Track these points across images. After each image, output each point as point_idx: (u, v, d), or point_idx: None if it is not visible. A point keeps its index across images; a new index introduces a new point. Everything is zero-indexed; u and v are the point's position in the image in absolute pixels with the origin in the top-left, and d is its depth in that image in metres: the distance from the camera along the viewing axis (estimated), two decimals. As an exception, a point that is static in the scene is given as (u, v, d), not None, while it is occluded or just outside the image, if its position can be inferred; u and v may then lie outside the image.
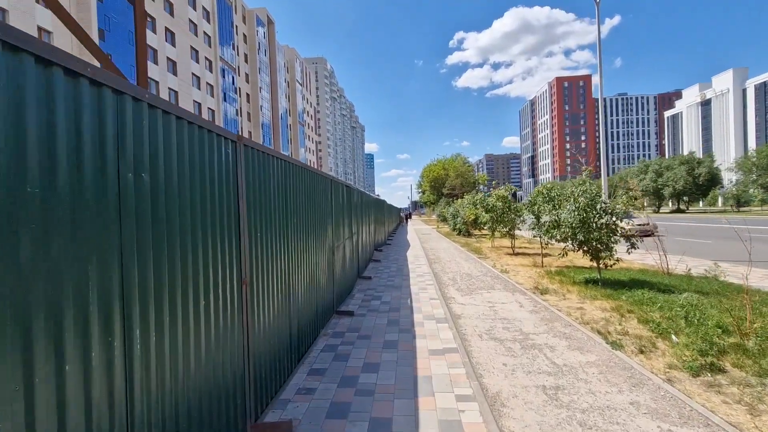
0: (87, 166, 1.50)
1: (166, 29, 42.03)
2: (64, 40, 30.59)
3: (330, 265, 6.23)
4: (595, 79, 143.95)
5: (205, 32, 50.14)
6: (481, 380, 3.90)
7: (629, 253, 7.89)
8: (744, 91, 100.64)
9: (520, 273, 10.20)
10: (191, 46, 46.64)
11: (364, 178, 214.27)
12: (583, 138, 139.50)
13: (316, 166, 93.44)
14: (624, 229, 7.84)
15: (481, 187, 53.54)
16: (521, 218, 14.73)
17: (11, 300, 1.19)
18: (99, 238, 1.55)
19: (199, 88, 47.90)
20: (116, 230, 1.65)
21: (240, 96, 59.43)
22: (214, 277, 2.46)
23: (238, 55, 59.42)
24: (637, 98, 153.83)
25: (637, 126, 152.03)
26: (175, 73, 43.04)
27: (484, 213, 15.80)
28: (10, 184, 1.20)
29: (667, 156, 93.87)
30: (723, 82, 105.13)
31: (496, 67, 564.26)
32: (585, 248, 8.10)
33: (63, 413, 1.34)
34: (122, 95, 1.73)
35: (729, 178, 64.42)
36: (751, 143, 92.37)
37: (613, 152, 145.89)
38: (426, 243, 20.39)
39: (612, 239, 7.81)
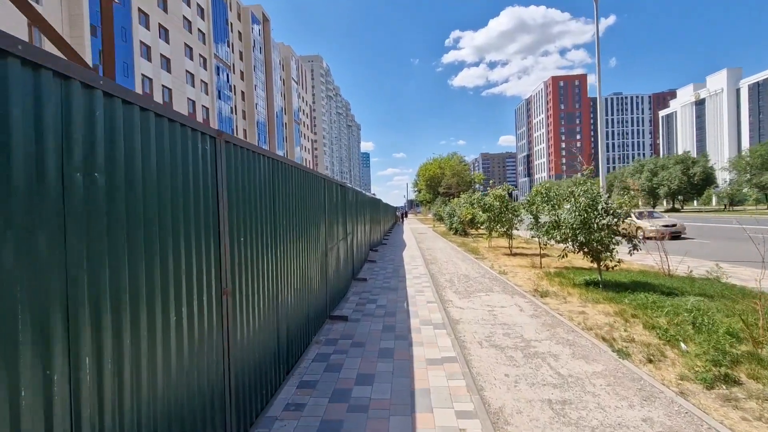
0: (16, 161, 1.23)
1: (160, 26, 41.48)
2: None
3: (323, 268, 5.97)
4: (591, 79, 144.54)
5: (199, 29, 49.58)
6: (483, 393, 3.66)
7: (631, 255, 7.68)
8: (738, 91, 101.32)
9: (519, 274, 9.99)
10: (185, 43, 46.09)
11: (360, 176, 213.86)
12: (578, 137, 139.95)
13: (311, 165, 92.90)
14: (626, 229, 7.64)
15: (478, 186, 53.44)
16: (519, 218, 14.54)
17: None
18: (34, 246, 1.28)
19: (194, 86, 47.36)
20: (59, 238, 1.38)
21: (235, 94, 58.88)
22: (188, 287, 2.20)
23: (233, 52, 58.86)
24: (631, 98, 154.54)
25: (632, 125, 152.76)
26: (168, 71, 42.51)
27: (481, 212, 15.59)
28: None
29: (661, 155, 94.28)
30: (717, 82, 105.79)
31: (492, 66, 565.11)
32: (586, 249, 7.89)
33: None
34: (69, 80, 1.46)
35: (723, 177, 64.78)
36: (745, 143, 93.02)
37: (607, 151, 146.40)
38: (422, 243, 20.17)
39: (613, 240, 7.60)
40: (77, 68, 1.49)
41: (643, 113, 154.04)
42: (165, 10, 42.30)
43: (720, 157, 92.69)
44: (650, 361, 4.29)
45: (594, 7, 16.67)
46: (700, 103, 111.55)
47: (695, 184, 59.36)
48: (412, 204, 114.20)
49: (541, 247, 11.21)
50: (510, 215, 14.35)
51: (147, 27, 39.41)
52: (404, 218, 59.29)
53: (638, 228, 17.26)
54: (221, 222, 2.60)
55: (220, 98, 53.40)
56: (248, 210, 3.08)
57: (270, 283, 3.54)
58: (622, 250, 7.99)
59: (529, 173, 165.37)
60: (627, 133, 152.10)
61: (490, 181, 20.02)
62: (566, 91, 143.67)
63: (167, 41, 42.57)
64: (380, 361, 4.44)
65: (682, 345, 4.59)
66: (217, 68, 53.06)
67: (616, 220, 7.57)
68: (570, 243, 8.06)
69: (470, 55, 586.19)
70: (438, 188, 56.90)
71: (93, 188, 1.54)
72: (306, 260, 4.91)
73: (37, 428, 1.27)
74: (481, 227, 17.18)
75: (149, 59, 39.40)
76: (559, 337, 5.15)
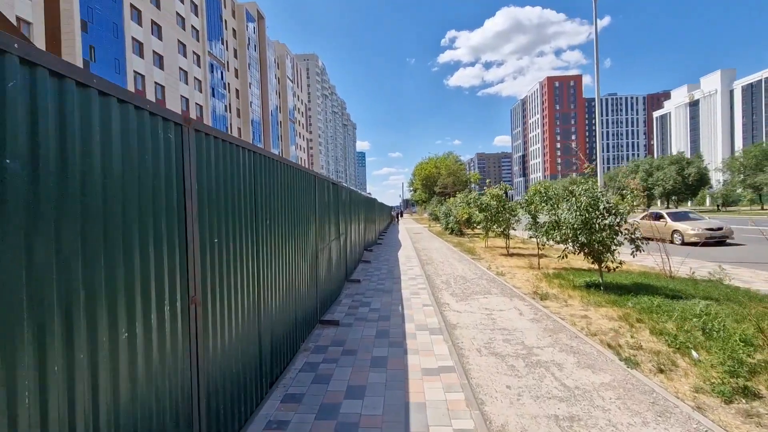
0: None
1: (153, 22, 40.89)
2: (45, 30, 29.43)
3: (313, 271, 5.65)
4: (586, 80, 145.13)
5: (193, 26, 48.96)
6: (483, 408, 3.37)
7: (633, 256, 7.43)
8: (731, 92, 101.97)
9: (517, 276, 9.72)
10: (178, 40, 45.49)
11: (356, 176, 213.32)
12: (573, 138, 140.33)
13: (307, 164, 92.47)
14: (628, 230, 7.37)
15: (474, 186, 53.26)
16: (516, 218, 14.29)
17: None
18: None
19: (187, 83, 46.76)
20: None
21: (229, 92, 58.26)
22: (144, 298, 1.88)
23: (227, 50, 58.25)
24: (626, 98, 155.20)
25: (627, 126, 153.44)
26: (161, 68, 41.92)
27: (477, 212, 15.33)
28: None
29: (655, 156, 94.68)
30: (711, 83, 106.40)
31: (487, 66, 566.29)
32: (587, 250, 7.62)
33: None
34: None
35: (717, 178, 65.09)
36: (738, 144, 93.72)
37: (602, 152, 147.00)
38: (418, 243, 19.88)
39: (615, 241, 7.34)
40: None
41: (637, 114, 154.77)
42: (158, 6, 41.70)
43: (713, 157, 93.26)
44: (661, 370, 4.01)
45: (593, 7, 16.49)
46: (694, 104, 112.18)
47: (690, 185, 59.53)
48: (407, 203, 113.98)
49: (539, 248, 10.95)
50: (507, 215, 14.09)
51: (139, 23, 38.81)
52: (399, 218, 58.96)
53: (674, 231, 15.80)
54: (189, 222, 2.28)
55: (214, 96, 52.80)
56: (224, 209, 2.76)
57: (251, 288, 3.22)
58: (623, 251, 7.74)
59: (525, 173, 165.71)
60: (621, 134, 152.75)
61: (487, 181, 19.81)
62: (561, 92, 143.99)
63: (160, 38, 41.97)
64: (373, 371, 4.13)
65: (694, 353, 4.33)
66: (211, 66, 52.46)
67: (618, 220, 7.31)
68: (570, 244, 7.80)
69: (466, 55, 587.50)
70: (434, 188, 56.69)
71: (5, 179, 1.22)
72: (294, 263, 4.59)
73: None
74: (478, 227, 16.91)
75: (141, 56, 38.81)
76: (563, 344, 4.87)
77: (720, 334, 4.67)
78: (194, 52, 48.85)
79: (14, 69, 1.27)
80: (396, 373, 4.08)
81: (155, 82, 40.66)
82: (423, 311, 6.56)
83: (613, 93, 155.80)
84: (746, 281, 8.53)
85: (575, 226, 7.51)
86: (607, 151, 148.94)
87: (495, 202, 14.18)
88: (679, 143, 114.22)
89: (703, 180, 59.69)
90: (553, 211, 8.53)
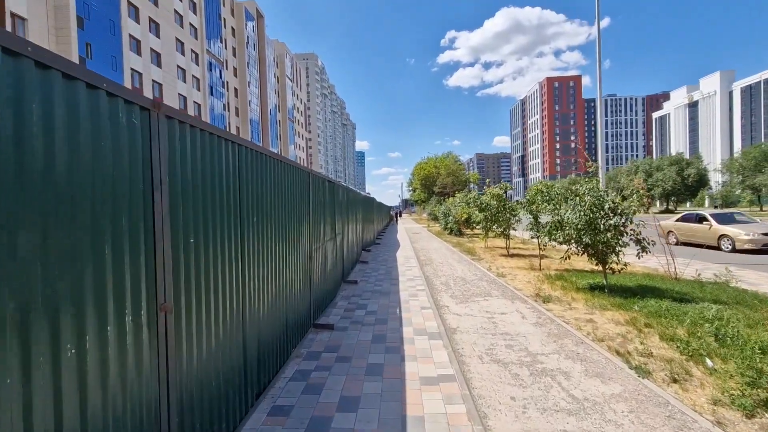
0: None
1: (150, 20, 40.56)
2: (40, 25, 29.11)
3: (307, 272, 5.39)
4: (585, 80, 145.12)
5: (191, 24, 48.63)
6: (486, 423, 3.11)
7: (639, 258, 7.19)
8: (730, 93, 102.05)
9: (518, 277, 9.47)
10: (177, 38, 45.17)
11: (355, 176, 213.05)
12: (572, 138, 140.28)
13: (306, 164, 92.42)
14: (634, 231, 7.13)
15: (473, 185, 53.04)
16: (516, 218, 14.04)
17: None
18: None
19: (185, 82, 46.44)
20: None
21: (228, 91, 57.94)
22: (97, 310, 1.62)
23: (226, 48, 57.92)
24: (625, 99, 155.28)
25: (626, 127, 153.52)
26: (159, 65, 41.61)
27: (477, 212, 15.08)
28: None
29: (654, 156, 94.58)
30: (710, 84, 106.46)
31: (487, 66, 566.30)
32: (590, 252, 7.38)
33: None
34: None
35: (716, 179, 65.02)
36: (737, 145, 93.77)
37: (603, 152, 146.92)
38: (416, 243, 19.62)
39: (620, 242, 7.10)
40: None
41: (636, 115, 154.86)
42: (156, 3, 41.37)
43: (712, 158, 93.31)
44: (675, 380, 3.76)
45: (596, 6, 16.29)
46: (693, 105, 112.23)
47: (689, 186, 59.46)
48: (406, 203, 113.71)
49: (540, 249, 10.71)
50: (508, 215, 13.84)
51: (137, 20, 38.49)
52: (398, 217, 58.70)
53: (722, 236, 13.73)
54: (158, 219, 2.02)
55: (212, 95, 52.46)
56: (203, 205, 2.50)
57: (234, 292, 2.97)
58: (628, 252, 7.50)
59: (524, 173, 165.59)
60: (621, 135, 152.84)
61: (487, 180, 19.58)
62: (561, 92, 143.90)
63: (158, 35, 41.64)
64: (368, 380, 3.87)
65: (708, 361, 4.08)
66: (210, 64, 52.13)
67: (623, 220, 7.07)
68: (574, 245, 7.55)
69: (465, 55, 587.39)
70: (433, 188, 56.44)
71: None
72: (285, 264, 4.34)
73: None
74: (477, 227, 16.66)
75: (139, 53, 38.48)
76: (568, 350, 4.62)
77: (734, 340, 4.43)
78: (192, 51, 48.52)
79: None
80: (393, 382, 3.82)
81: (153, 80, 40.34)
82: (422, 314, 6.31)
83: (612, 94, 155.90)
84: (753, 284, 8.30)
85: (579, 226, 7.27)
86: (606, 152, 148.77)
87: (495, 202, 13.93)
88: (678, 144, 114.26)
89: (702, 181, 59.61)
90: (556, 211, 8.29)
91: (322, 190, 6.66)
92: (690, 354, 4.27)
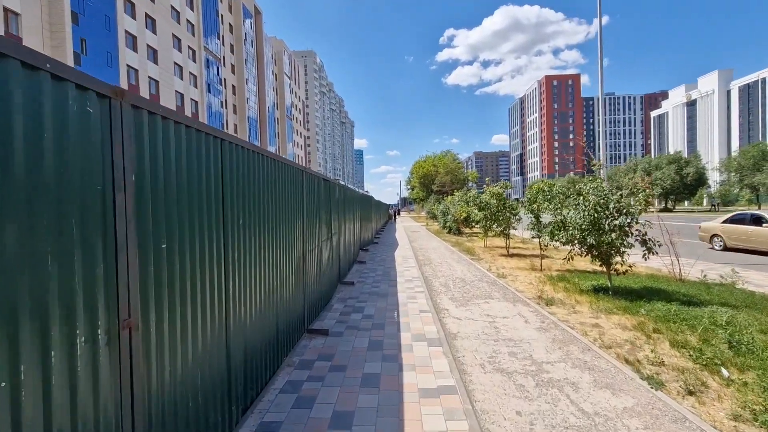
0: None
1: (147, 15, 40.11)
2: (34, 21, 28.67)
3: (300, 275, 5.14)
4: (584, 79, 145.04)
5: (188, 20, 48.15)
6: (491, 442, 2.88)
7: (645, 259, 6.96)
8: (728, 92, 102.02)
9: (519, 278, 9.24)
10: (173, 34, 44.73)
11: (354, 174, 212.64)
12: (571, 137, 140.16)
13: (304, 162, 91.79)
14: (640, 231, 6.90)
15: (471, 184, 52.83)
16: (517, 217, 13.81)
17: None
18: None
19: (182, 78, 46.00)
20: None
21: (225, 88, 57.50)
22: (41, 332, 1.36)
23: (223, 45, 57.44)
24: (623, 98, 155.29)
25: (624, 125, 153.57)
26: (155, 62, 41.18)
27: (477, 211, 14.84)
28: None
29: (652, 155, 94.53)
30: (708, 83, 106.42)
31: (485, 64, 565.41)
32: (595, 252, 7.15)
33: None
34: None
35: (713, 178, 65.00)
36: (735, 144, 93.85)
37: (604, 150, 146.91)
38: (415, 242, 19.38)
39: (625, 243, 6.87)
40: None
41: (634, 113, 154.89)
42: (152, -1, 40.89)
43: (710, 157, 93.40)
44: (690, 392, 3.53)
45: (597, 4, 16.07)
46: (691, 104, 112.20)
47: (688, 184, 59.37)
48: (405, 202, 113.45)
49: (541, 249, 10.48)
50: (508, 214, 13.60)
51: (133, 16, 38.05)
52: (397, 216, 58.45)
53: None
54: (120, 224, 1.76)
55: (209, 92, 52.01)
56: (177, 206, 2.25)
57: (215, 300, 2.71)
58: (633, 253, 7.28)
59: (522, 172, 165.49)
60: (619, 133, 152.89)
61: (486, 179, 19.33)
62: (560, 91, 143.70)
63: (154, 31, 41.21)
64: (363, 392, 3.63)
65: (723, 371, 3.85)
66: (207, 61, 51.67)
67: (629, 220, 6.84)
68: (577, 245, 7.32)
69: (464, 53, 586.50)
70: (431, 186, 56.19)
71: None
72: (275, 267, 4.08)
73: None
74: (476, 226, 16.43)
75: (135, 49, 38.06)
76: (575, 358, 4.39)
77: (750, 348, 4.21)
78: (189, 47, 48.07)
79: None
80: (390, 394, 3.58)
81: (149, 77, 39.93)
82: (420, 318, 6.07)
83: (610, 92, 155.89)
84: (759, 285, 8.10)
85: (583, 226, 7.05)
86: (605, 151, 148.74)
87: (495, 201, 13.70)
88: (676, 143, 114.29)
89: (701, 180, 59.55)
90: (559, 210, 8.06)
91: (317, 188, 6.40)
92: (704, 363, 4.04)
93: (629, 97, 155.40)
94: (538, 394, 3.58)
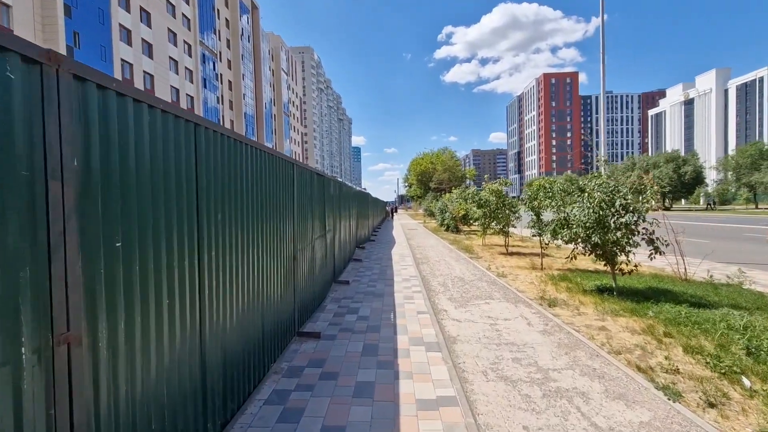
0: None
1: (141, 9, 39.51)
2: (26, 13, 28.09)
3: (290, 275, 4.83)
4: (582, 77, 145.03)
5: (184, 14, 47.50)
6: (497, 463, 2.59)
7: (652, 259, 6.68)
8: (726, 91, 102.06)
9: (520, 277, 8.96)
10: (168, 28, 44.10)
11: (351, 171, 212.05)
12: (569, 135, 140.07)
13: (301, 158, 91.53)
14: (647, 230, 6.62)
15: (469, 182, 52.58)
16: (517, 215, 13.53)
17: None
18: None
19: (177, 73, 45.41)
20: None
21: (222, 83, 56.87)
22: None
23: (219, 40, 56.77)
24: (621, 96, 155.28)
25: (621, 124, 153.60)
26: (150, 56, 40.59)
27: (475, 208, 14.56)
28: None
29: (650, 154, 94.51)
30: (706, 82, 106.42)
31: (483, 62, 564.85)
32: (599, 252, 6.87)
33: None
34: None
35: (711, 177, 64.99)
36: (732, 143, 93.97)
37: (597, 149, 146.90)
38: (412, 240, 19.09)
39: (631, 241, 6.59)
40: None
41: (632, 112, 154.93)
42: (146, -8, 40.23)
43: (707, 156, 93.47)
44: (711, 405, 3.25)
45: (600, 3, 15.82)
46: (689, 103, 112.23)
47: (686, 183, 59.32)
48: (402, 199, 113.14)
49: (542, 247, 10.21)
50: (507, 211, 13.32)
51: (127, 9, 37.45)
52: (394, 213, 58.14)
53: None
54: (56, 218, 1.45)
55: (206, 87, 51.42)
56: (138, 199, 1.93)
57: (186, 303, 2.40)
58: (637, 252, 7.01)
59: (520, 170, 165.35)
60: (616, 132, 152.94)
61: (485, 176, 19.06)
62: (558, 89, 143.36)
63: (149, 25, 40.59)
64: (356, 404, 3.33)
65: (745, 380, 3.58)
66: (203, 56, 51.05)
67: (636, 218, 6.56)
68: (581, 244, 7.04)
69: (462, 51, 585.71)
70: (429, 183, 55.91)
71: None
72: (260, 266, 3.77)
73: None
74: (475, 224, 16.15)
75: (129, 43, 37.48)
76: (583, 365, 4.11)
77: (770, 355, 3.94)
78: (185, 42, 47.44)
79: None
80: (384, 406, 3.28)
81: (144, 71, 39.36)
82: (418, 320, 5.78)
83: (608, 91, 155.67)
84: (766, 285, 7.86)
85: (587, 224, 6.76)
86: (605, 147, 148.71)
87: (494, 198, 13.42)
88: (673, 142, 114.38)
89: (699, 178, 59.52)
90: (561, 208, 7.77)
91: (309, 183, 6.08)
92: (723, 372, 3.77)
93: (627, 96, 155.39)
94: (546, 406, 3.29)
